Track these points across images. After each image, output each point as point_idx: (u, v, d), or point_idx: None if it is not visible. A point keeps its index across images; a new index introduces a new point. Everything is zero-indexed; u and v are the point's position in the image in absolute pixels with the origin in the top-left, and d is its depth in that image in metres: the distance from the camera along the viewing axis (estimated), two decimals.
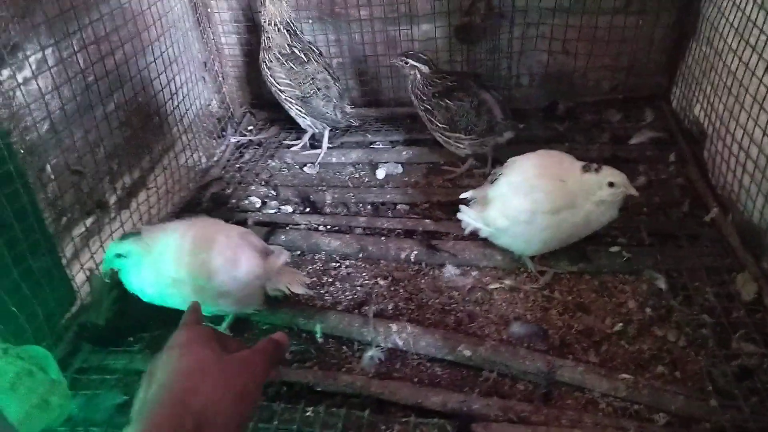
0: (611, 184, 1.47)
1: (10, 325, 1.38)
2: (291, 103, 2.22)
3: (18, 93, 1.50)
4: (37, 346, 1.32)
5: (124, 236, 1.49)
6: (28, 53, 1.52)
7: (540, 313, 1.56)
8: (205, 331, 0.85)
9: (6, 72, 1.46)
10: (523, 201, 1.54)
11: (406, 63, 2.05)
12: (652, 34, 2.27)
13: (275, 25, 2.13)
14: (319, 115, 2.25)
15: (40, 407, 1.17)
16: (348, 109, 2.35)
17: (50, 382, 1.22)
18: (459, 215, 1.68)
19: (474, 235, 1.74)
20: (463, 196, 1.69)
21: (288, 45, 2.16)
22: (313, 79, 2.19)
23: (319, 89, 2.20)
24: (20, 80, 1.50)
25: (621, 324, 1.49)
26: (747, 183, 1.64)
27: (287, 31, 2.15)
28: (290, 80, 2.18)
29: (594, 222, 1.54)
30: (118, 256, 1.44)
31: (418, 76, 2.04)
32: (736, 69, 1.73)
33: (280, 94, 2.22)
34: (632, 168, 2.00)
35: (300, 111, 2.24)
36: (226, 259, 1.46)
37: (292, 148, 2.39)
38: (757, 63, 1.61)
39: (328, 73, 2.24)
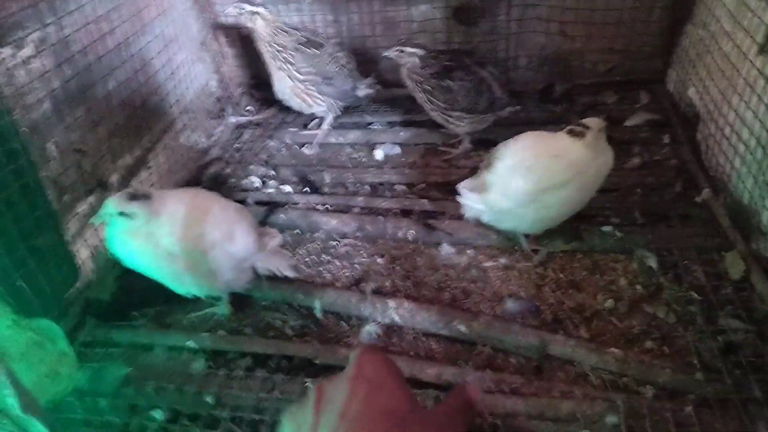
0: (600, 130, 1.52)
1: (18, 299, 1.41)
2: (312, 90, 2.25)
3: (20, 71, 1.52)
4: (46, 319, 1.36)
5: (132, 195, 1.40)
6: (29, 32, 1.53)
7: (533, 290, 1.61)
8: (394, 366, 0.72)
9: (7, 50, 1.48)
10: (523, 182, 1.57)
11: (402, 52, 2.06)
12: (649, 17, 2.28)
13: (277, 32, 2.18)
14: (343, 93, 2.29)
15: (50, 377, 1.21)
16: (367, 81, 2.38)
17: (59, 354, 1.26)
18: (460, 199, 1.70)
19: None
20: (460, 186, 1.72)
21: (298, 37, 2.20)
22: (334, 58, 2.24)
23: (341, 67, 2.25)
24: (21, 59, 1.51)
25: (612, 301, 1.54)
26: (738, 165, 1.68)
27: (289, 29, 2.20)
28: (313, 66, 2.21)
29: (602, 176, 1.58)
30: (121, 214, 1.37)
31: (417, 61, 2.05)
32: (730, 52, 1.76)
33: (300, 85, 2.24)
34: (627, 149, 2.04)
35: (320, 95, 2.27)
36: (222, 233, 1.47)
37: (316, 139, 2.37)
38: (750, 46, 1.63)
39: (344, 51, 2.30)
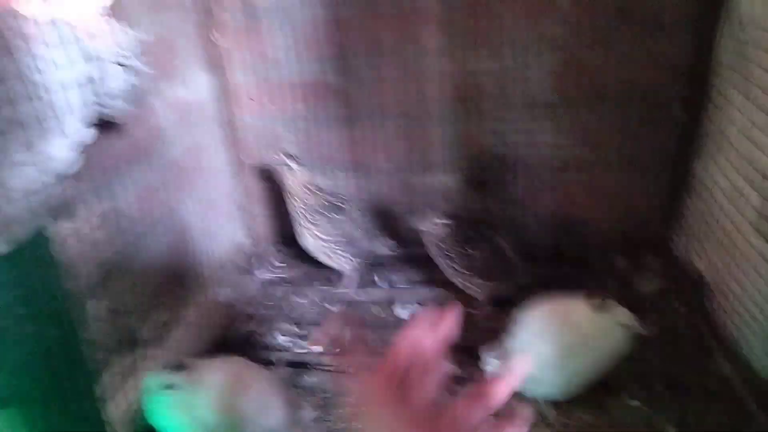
0: (625, 326, 1.62)
1: None
2: (335, 249, 2.40)
3: (74, 243, 1.63)
4: None
5: (171, 366, 1.47)
6: (87, 208, 1.67)
7: None
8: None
9: (66, 224, 1.60)
10: (543, 348, 1.65)
11: (436, 225, 2.22)
12: (651, 189, 2.49)
13: (306, 189, 2.37)
14: (363, 252, 2.43)
15: None
16: (385, 240, 2.54)
17: None
18: (483, 366, 1.77)
19: None
20: (483, 352, 1.79)
21: (322, 199, 2.38)
22: (355, 222, 2.41)
23: (360, 228, 2.42)
24: (77, 231, 1.64)
25: None
26: (751, 339, 1.75)
27: (316, 189, 2.39)
28: (336, 228, 2.37)
29: (611, 355, 1.66)
30: (168, 387, 1.43)
31: (449, 230, 2.21)
32: (726, 227, 1.91)
33: (323, 246, 2.40)
34: (642, 315, 2.12)
35: (344, 254, 2.41)
36: (258, 408, 1.52)
37: (344, 297, 2.50)
38: (746, 225, 1.78)
39: (362, 212, 2.48)
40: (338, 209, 2.40)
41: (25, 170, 1.29)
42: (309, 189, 2.37)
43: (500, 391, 0.68)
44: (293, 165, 2.34)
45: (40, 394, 1.37)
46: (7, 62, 1.20)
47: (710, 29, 2.12)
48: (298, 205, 2.38)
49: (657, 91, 2.31)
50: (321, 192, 2.41)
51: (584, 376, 1.68)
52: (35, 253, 1.34)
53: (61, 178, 1.42)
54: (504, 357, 1.73)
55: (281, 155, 2.36)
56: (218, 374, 1.52)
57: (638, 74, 2.30)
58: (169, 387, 1.45)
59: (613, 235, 2.62)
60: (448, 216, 2.25)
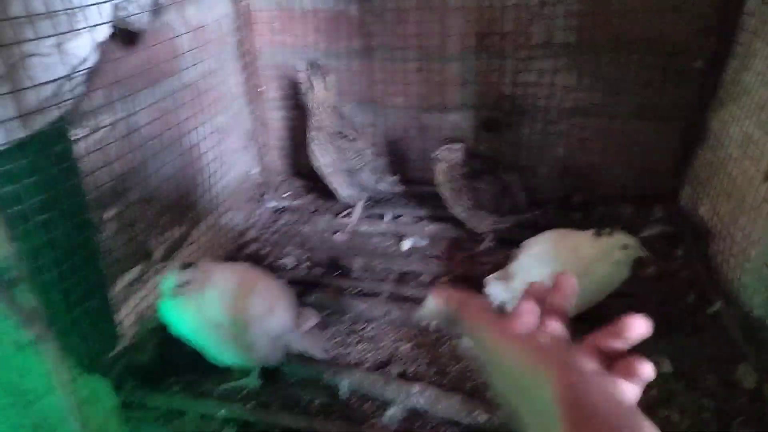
0: (625, 246, 1.64)
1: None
2: (336, 177, 2.43)
3: (92, 153, 1.67)
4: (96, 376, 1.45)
5: (185, 266, 1.51)
6: (103, 119, 1.70)
7: None
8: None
9: (83, 132, 1.63)
10: (544, 271, 1.69)
11: (450, 150, 2.23)
12: (663, 139, 2.48)
13: (325, 108, 2.36)
14: (366, 186, 2.46)
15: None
16: (390, 179, 2.56)
17: (109, 409, 1.34)
18: (486, 289, 1.82)
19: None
20: (488, 278, 1.84)
21: (337, 125, 2.38)
22: (361, 154, 2.41)
23: (366, 163, 2.42)
24: (94, 141, 1.69)
25: None
26: (747, 280, 1.79)
27: (335, 113, 2.38)
28: (339, 156, 2.39)
29: (611, 283, 1.70)
30: (185, 283, 1.47)
31: (461, 156, 2.23)
32: (737, 177, 1.92)
33: (325, 168, 2.42)
34: (642, 259, 2.15)
35: (344, 184, 2.44)
36: (265, 309, 1.58)
37: (348, 226, 2.53)
38: (755, 174, 1.80)
39: (372, 149, 2.47)
40: (346, 138, 2.40)
41: (51, 64, 1.32)
42: (327, 110, 2.35)
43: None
44: (317, 80, 2.30)
45: (56, 279, 1.43)
46: None
47: None
48: (313, 124, 2.38)
49: (680, 42, 2.28)
50: (338, 118, 2.39)
51: (583, 299, 1.71)
52: (53, 145, 1.38)
53: (83, 77, 1.45)
54: (507, 280, 1.78)
55: (309, 66, 2.31)
56: (227, 276, 1.58)
57: (663, 23, 2.27)
58: (182, 287, 1.48)
59: (623, 184, 2.63)
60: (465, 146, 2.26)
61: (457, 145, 2.24)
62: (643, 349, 1.73)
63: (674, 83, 2.38)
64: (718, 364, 1.69)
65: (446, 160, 2.25)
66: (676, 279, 2.08)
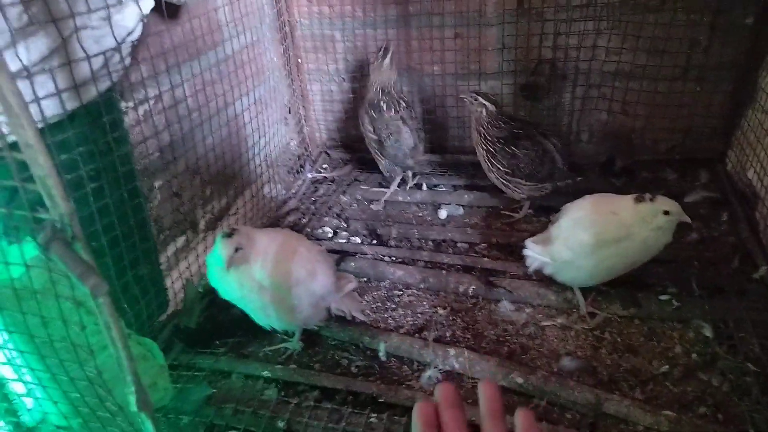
0: (666, 212, 1.62)
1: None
2: (372, 146, 2.47)
3: (140, 125, 1.73)
4: (146, 338, 1.53)
5: (229, 233, 1.51)
6: (149, 93, 1.77)
7: (590, 351, 1.68)
8: None
9: (131, 105, 1.72)
10: (584, 235, 1.69)
11: (476, 100, 2.21)
12: (709, 101, 2.39)
13: (377, 85, 2.40)
14: (393, 158, 2.47)
15: (151, 388, 1.37)
16: (419, 156, 2.54)
17: (159, 367, 1.42)
18: (525, 251, 1.82)
19: (529, 276, 1.89)
20: (527, 240, 1.84)
21: (377, 98, 2.41)
22: (387, 125, 2.41)
23: (390, 135, 2.42)
24: (141, 114, 1.75)
25: (667, 366, 1.59)
26: None
27: (382, 89, 2.40)
28: (372, 126, 2.42)
29: (652, 248, 1.67)
30: (237, 250, 1.49)
31: (484, 114, 2.20)
32: None
33: (366, 136, 2.47)
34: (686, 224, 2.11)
35: (378, 154, 2.47)
36: (307, 272, 1.63)
37: (384, 197, 2.55)
38: None
39: (404, 122, 2.43)
40: (382, 108, 2.40)
41: (101, 36, 1.37)
42: (388, 85, 2.40)
43: None
44: (384, 59, 2.35)
45: (109, 245, 1.51)
46: None
47: None
48: (366, 94, 2.45)
49: None
50: (380, 89, 2.41)
51: (624, 263, 1.70)
52: (104, 115, 1.44)
53: (130, 48, 1.50)
54: (545, 243, 1.78)
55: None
56: (271, 241, 1.62)
57: None
58: (234, 256, 1.49)
59: (667, 148, 2.56)
60: (497, 104, 2.22)
61: (483, 100, 2.19)
62: (685, 312, 1.71)
63: (722, 42, 2.28)
64: (761, 327, 1.66)
65: (472, 111, 2.23)
66: (721, 244, 2.02)
